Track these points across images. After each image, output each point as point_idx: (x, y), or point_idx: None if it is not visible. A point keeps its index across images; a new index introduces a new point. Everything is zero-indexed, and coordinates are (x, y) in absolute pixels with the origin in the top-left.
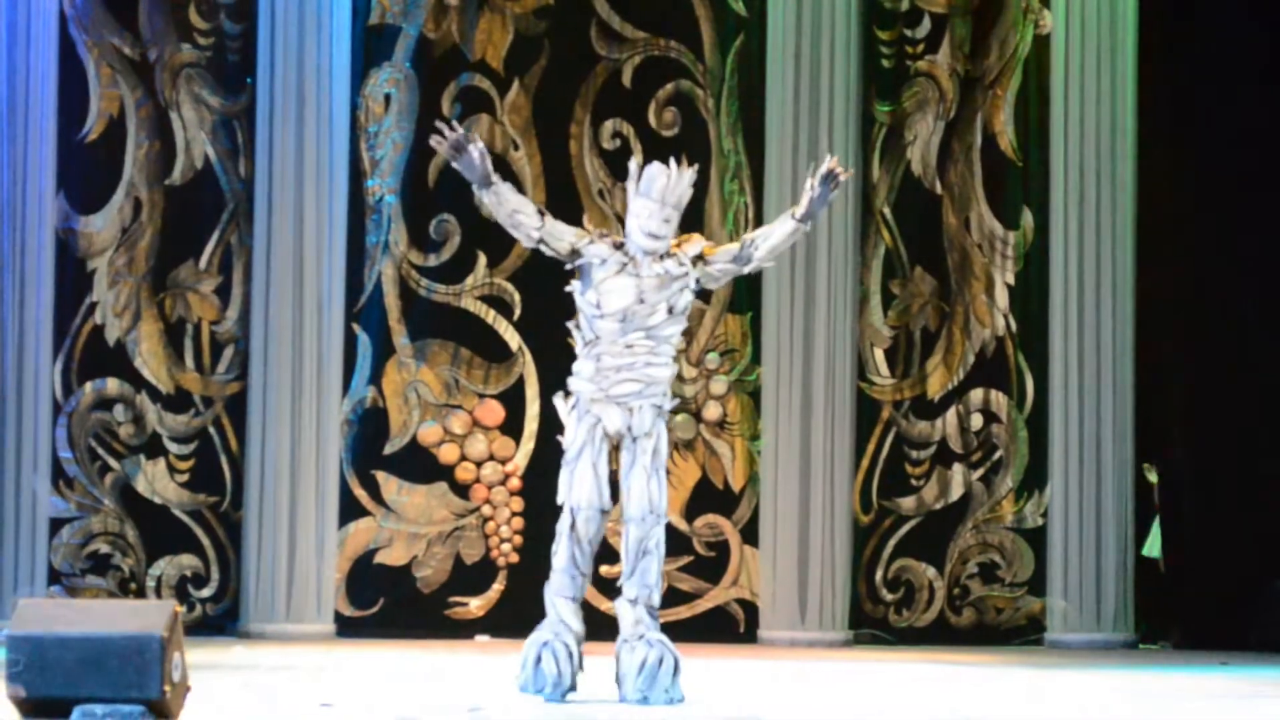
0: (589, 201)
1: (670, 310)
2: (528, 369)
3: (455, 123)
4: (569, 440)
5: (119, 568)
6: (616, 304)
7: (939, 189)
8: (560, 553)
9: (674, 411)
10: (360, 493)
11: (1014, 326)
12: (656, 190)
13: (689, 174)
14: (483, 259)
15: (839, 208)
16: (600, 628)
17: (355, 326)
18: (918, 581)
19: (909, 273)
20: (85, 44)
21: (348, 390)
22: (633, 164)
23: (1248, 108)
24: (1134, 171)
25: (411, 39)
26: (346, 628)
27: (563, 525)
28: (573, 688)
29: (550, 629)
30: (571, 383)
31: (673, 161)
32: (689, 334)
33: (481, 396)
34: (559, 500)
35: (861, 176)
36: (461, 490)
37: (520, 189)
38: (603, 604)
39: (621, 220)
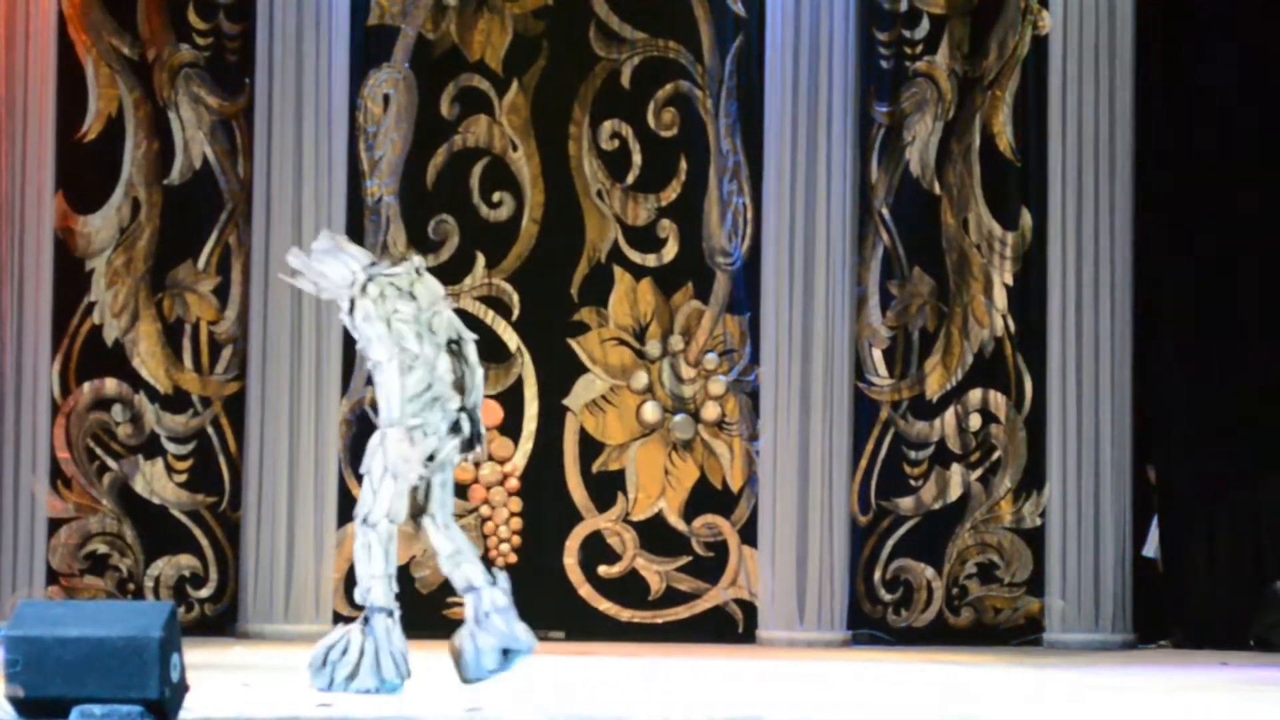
0: (587, 202)
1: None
2: (526, 370)
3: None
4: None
5: (117, 568)
6: None
7: (937, 189)
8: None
9: (672, 412)
10: (359, 493)
11: (1012, 327)
12: None
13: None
14: (481, 260)
15: (837, 208)
16: (601, 627)
17: None
18: (916, 582)
19: (907, 273)
20: (84, 43)
21: (346, 390)
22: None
23: (1248, 107)
24: (1133, 172)
25: (410, 39)
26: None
27: (384, 534)
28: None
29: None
30: None
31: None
32: (688, 334)
33: None
34: (383, 514)
35: (860, 177)
36: (460, 490)
37: (519, 189)
38: (602, 604)
39: (621, 221)
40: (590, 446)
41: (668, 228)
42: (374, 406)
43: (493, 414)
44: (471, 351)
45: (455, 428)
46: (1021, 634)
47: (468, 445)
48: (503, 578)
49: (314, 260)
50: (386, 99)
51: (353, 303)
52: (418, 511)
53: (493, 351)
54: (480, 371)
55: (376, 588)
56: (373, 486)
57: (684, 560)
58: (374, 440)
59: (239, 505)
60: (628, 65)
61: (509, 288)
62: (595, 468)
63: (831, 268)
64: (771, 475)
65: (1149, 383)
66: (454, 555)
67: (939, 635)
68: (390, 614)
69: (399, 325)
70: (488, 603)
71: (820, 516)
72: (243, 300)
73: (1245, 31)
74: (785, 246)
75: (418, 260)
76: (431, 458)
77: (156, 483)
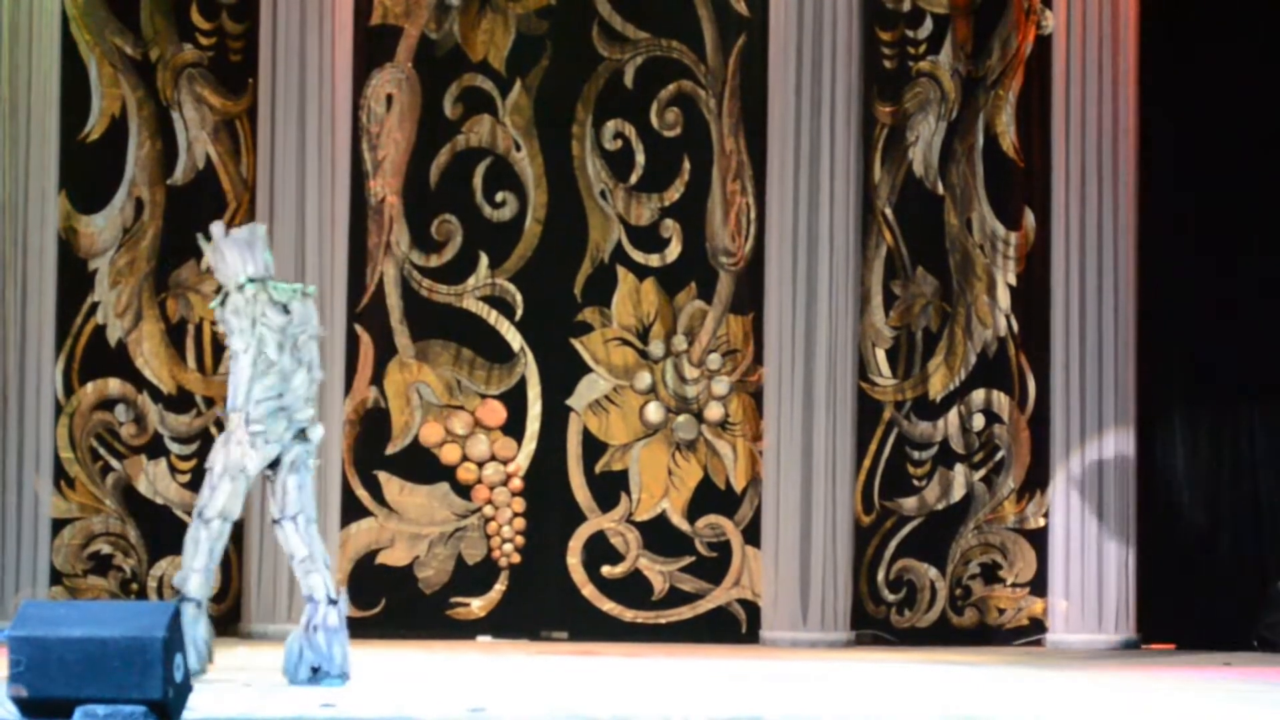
0: (590, 202)
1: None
2: (529, 369)
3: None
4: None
5: (121, 568)
6: None
7: (940, 189)
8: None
9: (675, 412)
10: (362, 493)
11: (1016, 327)
12: None
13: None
14: (484, 259)
15: (841, 208)
16: (604, 628)
17: (357, 327)
18: (919, 582)
19: (910, 273)
20: (87, 43)
21: (348, 391)
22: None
23: (1248, 107)
24: (1135, 171)
25: (413, 39)
26: (348, 628)
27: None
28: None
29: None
30: None
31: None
32: (691, 334)
33: (483, 397)
34: (217, 512)
35: (863, 177)
36: (463, 491)
37: (522, 189)
38: (605, 604)
39: (624, 221)
40: (593, 447)
41: (671, 228)
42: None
43: (496, 414)
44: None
45: (301, 435)
46: (1025, 634)
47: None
48: (344, 600)
49: (224, 244)
50: (389, 99)
51: (228, 295)
52: (278, 515)
53: (496, 351)
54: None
55: (194, 579)
56: (211, 484)
57: (687, 560)
58: (220, 439)
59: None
60: (631, 65)
61: (512, 288)
62: (598, 468)
63: (835, 267)
64: (775, 475)
65: (1150, 383)
66: (305, 561)
67: (942, 635)
68: (199, 604)
69: (263, 330)
70: (320, 618)
71: (823, 517)
72: None
73: (1247, 31)
74: (788, 246)
75: (311, 289)
76: (276, 463)
77: (160, 483)
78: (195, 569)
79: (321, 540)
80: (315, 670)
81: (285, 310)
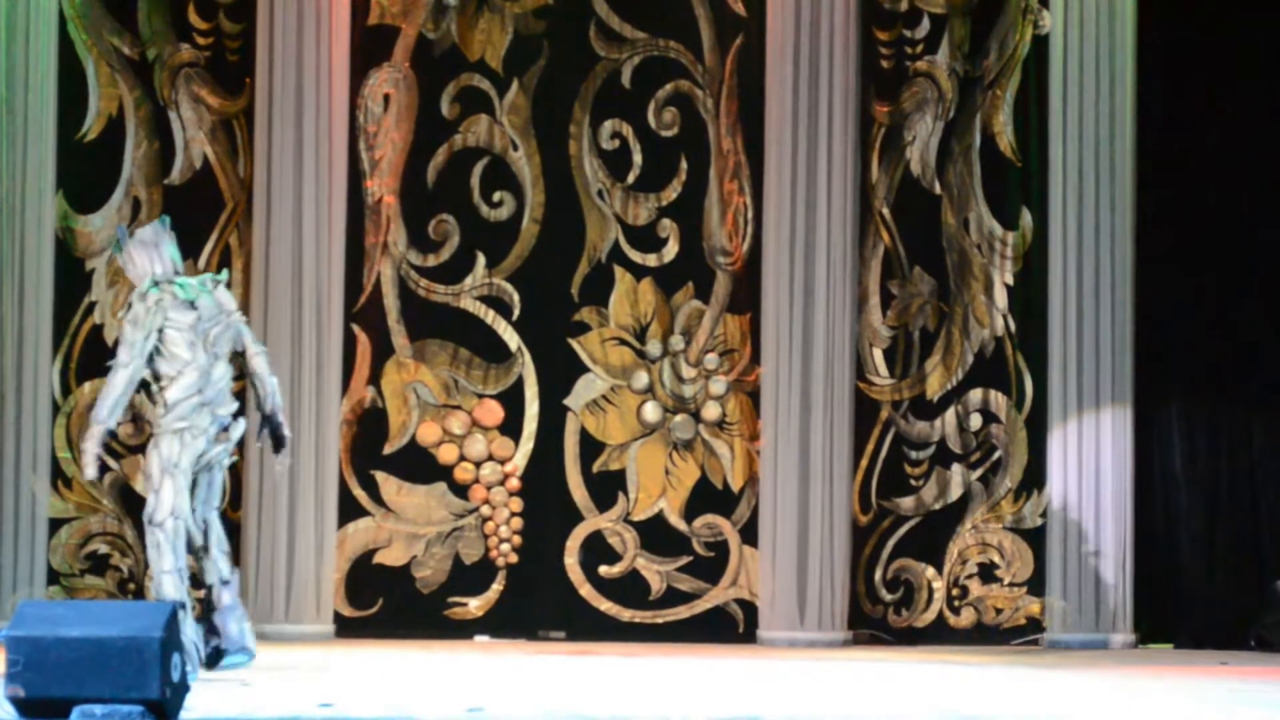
0: (588, 202)
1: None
2: (527, 369)
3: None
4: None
5: (118, 568)
6: None
7: (938, 189)
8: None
9: (673, 412)
10: (359, 493)
11: (1013, 327)
12: None
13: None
14: (481, 259)
15: (838, 208)
16: (602, 627)
17: (354, 327)
18: (917, 582)
19: (908, 273)
20: (84, 43)
21: (347, 390)
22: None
23: (1248, 107)
24: (1133, 171)
25: (411, 39)
26: (346, 628)
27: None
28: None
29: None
30: None
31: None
32: (688, 334)
33: (480, 397)
34: (168, 513)
35: (860, 177)
36: (460, 490)
37: (519, 189)
38: (602, 604)
39: (621, 220)
40: (591, 446)
41: (668, 227)
42: (153, 401)
43: (493, 414)
44: (259, 364)
45: (224, 431)
46: (1022, 634)
47: (277, 445)
48: (236, 580)
49: (131, 246)
50: (387, 99)
51: (130, 304)
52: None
53: (493, 351)
54: (271, 380)
55: (166, 582)
56: (154, 488)
57: (684, 560)
58: (150, 445)
59: (239, 505)
60: (628, 65)
61: (509, 287)
62: (596, 468)
63: (832, 267)
64: (772, 475)
65: (1148, 383)
66: (200, 550)
67: (939, 635)
68: (182, 606)
69: (172, 333)
70: (215, 598)
71: (821, 516)
72: (243, 300)
73: (1246, 31)
74: (786, 246)
75: (222, 275)
76: (200, 456)
77: None
78: (165, 571)
79: (220, 524)
80: (218, 651)
81: (193, 306)
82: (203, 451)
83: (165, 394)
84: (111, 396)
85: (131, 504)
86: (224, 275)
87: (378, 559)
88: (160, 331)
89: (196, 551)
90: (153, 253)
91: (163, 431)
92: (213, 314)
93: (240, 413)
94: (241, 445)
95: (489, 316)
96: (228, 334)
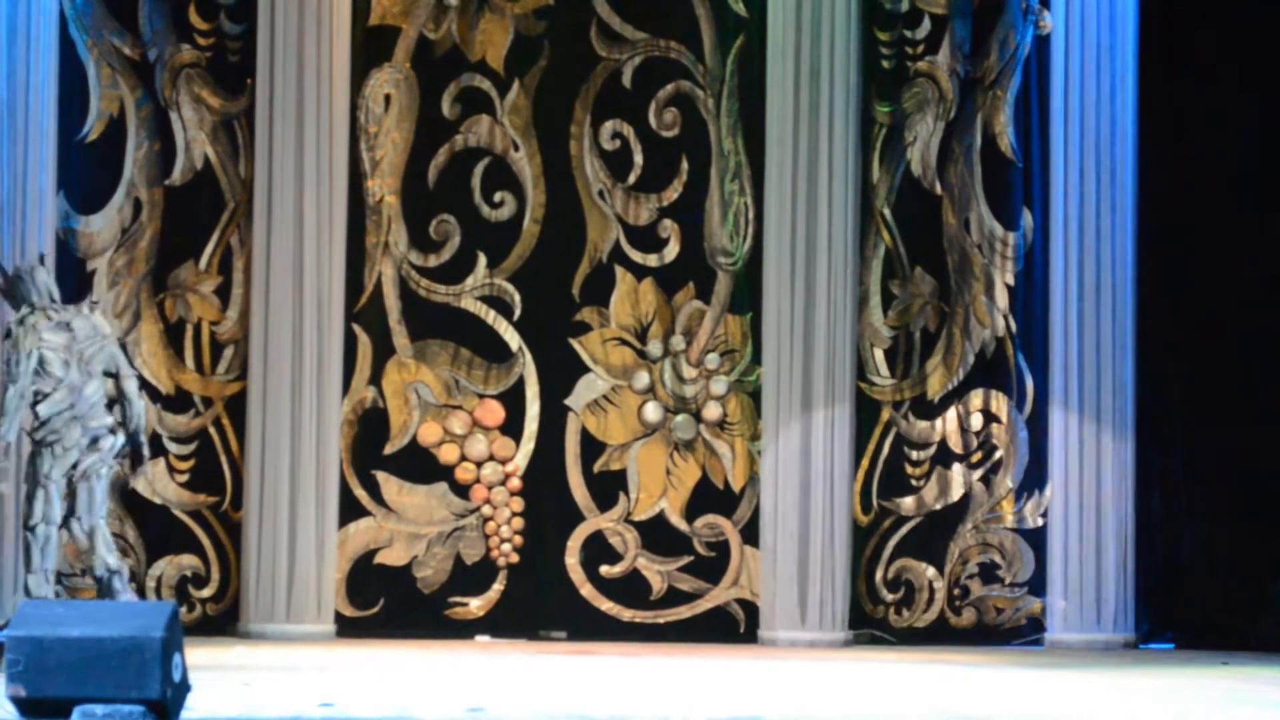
0: (589, 202)
1: None
2: (528, 369)
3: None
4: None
5: None
6: None
7: (939, 189)
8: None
9: (673, 412)
10: (360, 493)
11: (1014, 327)
12: None
13: None
14: (482, 259)
15: (839, 208)
16: (603, 627)
17: (355, 327)
18: (918, 582)
19: (909, 273)
20: (85, 44)
21: (347, 390)
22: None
23: (1248, 107)
24: (1134, 171)
25: (411, 39)
26: (347, 628)
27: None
28: None
29: None
30: None
31: None
32: (689, 334)
33: (481, 397)
34: (40, 518)
35: (861, 177)
36: (461, 490)
37: (520, 189)
38: (603, 604)
39: (622, 221)
40: (592, 446)
41: (669, 227)
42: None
43: (494, 414)
44: (129, 387)
45: (94, 444)
46: (1023, 634)
47: (134, 462)
48: (124, 569)
49: (10, 280)
50: (387, 99)
51: (9, 330)
52: (67, 514)
53: (494, 351)
54: (138, 404)
55: (32, 581)
56: (29, 495)
57: (685, 560)
58: (26, 457)
59: (240, 505)
60: (629, 65)
61: (510, 287)
62: (597, 468)
63: (833, 267)
64: (773, 475)
65: (1149, 383)
66: (86, 553)
67: (940, 635)
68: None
69: (47, 353)
70: (109, 588)
71: (822, 516)
72: (244, 301)
73: (1246, 31)
74: (787, 246)
75: (97, 302)
76: (74, 467)
77: (158, 483)
78: (32, 572)
79: (105, 527)
80: None
81: (68, 328)
82: (75, 462)
83: (37, 409)
84: (6, 413)
85: (131, 504)
86: (99, 302)
87: (379, 559)
88: (38, 353)
89: (82, 551)
90: (29, 285)
91: (37, 444)
92: (89, 335)
93: (116, 428)
94: (241, 439)
95: (490, 317)
96: (102, 355)
